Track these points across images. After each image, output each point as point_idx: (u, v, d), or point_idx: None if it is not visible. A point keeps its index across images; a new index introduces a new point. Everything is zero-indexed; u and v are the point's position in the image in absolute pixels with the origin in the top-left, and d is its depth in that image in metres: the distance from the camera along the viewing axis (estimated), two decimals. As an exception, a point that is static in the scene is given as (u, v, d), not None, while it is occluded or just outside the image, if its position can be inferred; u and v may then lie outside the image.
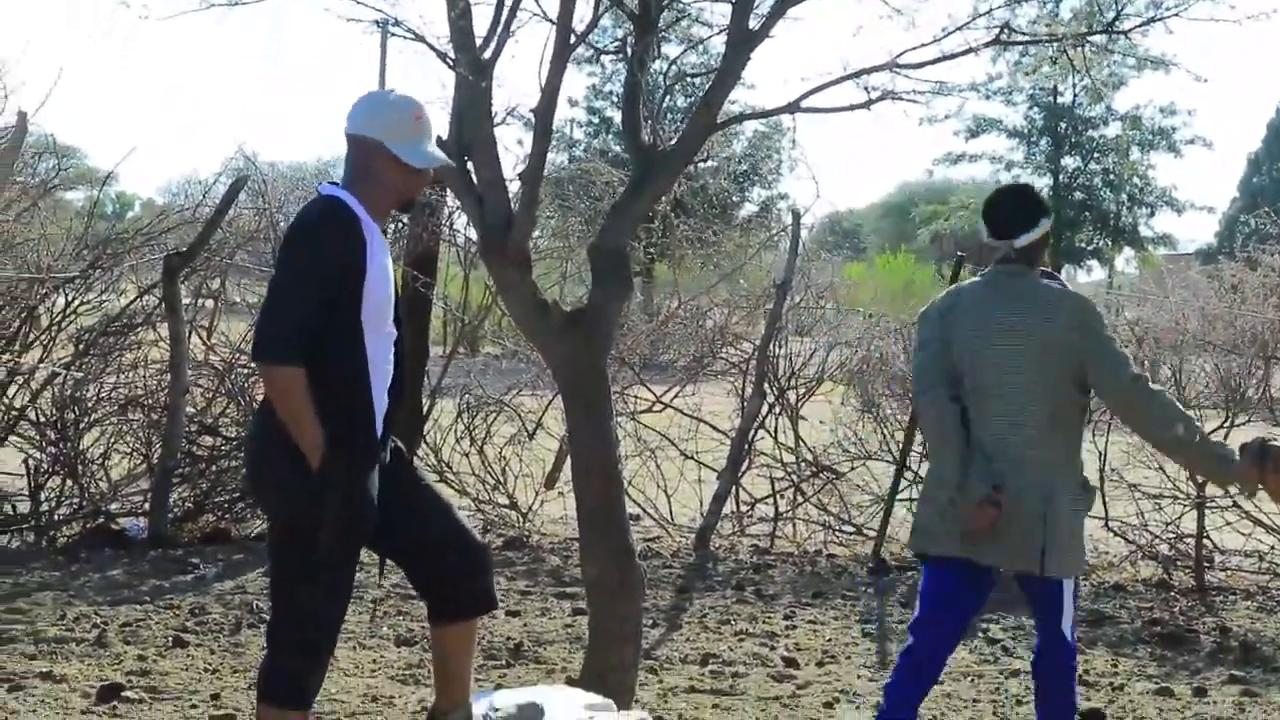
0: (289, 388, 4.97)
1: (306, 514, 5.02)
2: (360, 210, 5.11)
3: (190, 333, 11.77)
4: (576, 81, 56.03)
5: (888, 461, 12.09)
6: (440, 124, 6.40)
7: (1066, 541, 5.98)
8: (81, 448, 11.42)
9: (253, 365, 11.58)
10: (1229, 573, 10.90)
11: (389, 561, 5.54)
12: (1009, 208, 6.35)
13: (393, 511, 5.30)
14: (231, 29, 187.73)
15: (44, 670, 7.56)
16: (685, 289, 16.00)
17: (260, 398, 11.15)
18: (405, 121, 5.26)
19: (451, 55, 6.48)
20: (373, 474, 5.19)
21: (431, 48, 6.55)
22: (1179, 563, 10.83)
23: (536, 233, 12.67)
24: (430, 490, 5.51)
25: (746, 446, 12.16)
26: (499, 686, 7.43)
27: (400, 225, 12.83)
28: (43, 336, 11.55)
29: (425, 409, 12.12)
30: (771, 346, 12.37)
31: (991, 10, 6.90)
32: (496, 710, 5.54)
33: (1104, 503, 11.19)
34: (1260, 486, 5.61)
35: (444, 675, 5.55)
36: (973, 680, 8.13)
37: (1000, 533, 5.88)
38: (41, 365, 11.27)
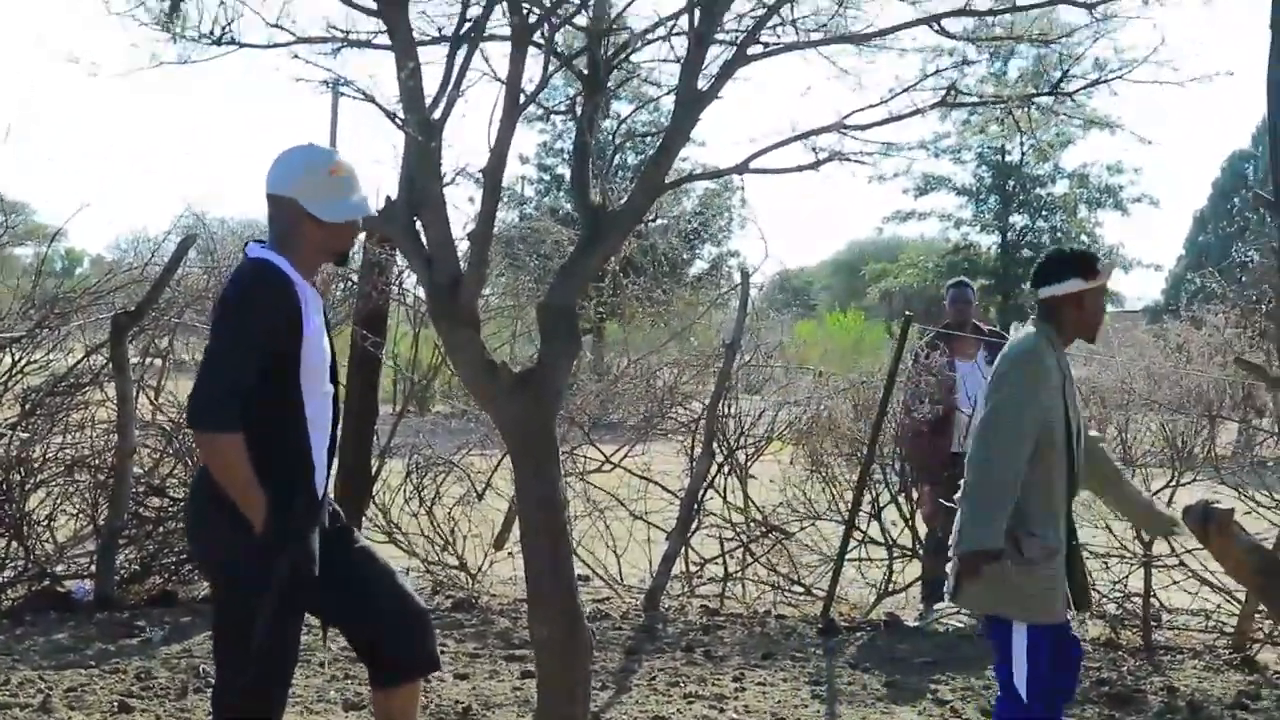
0: (228, 454, 4.98)
1: (250, 576, 5.00)
2: (290, 271, 5.12)
3: (138, 392, 11.70)
4: (527, 139, 56.11)
5: (836, 521, 12.09)
6: (390, 184, 6.42)
7: (993, 578, 6.08)
8: (27, 509, 11.33)
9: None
10: (1176, 631, 10.92)
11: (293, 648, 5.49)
12: (1043, 260, 6.75)
13: (333, 575, 5.27)
14: (182, 85, 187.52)
15: (-14, 735, 7.49)
16: (635, 348, 15.99)
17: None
18: (319, 177, 5.32)
19: (401, 115, 6.48)
20: (314, 533, 5.18)
21: (381, 108, 6.55)
22: (1126, 622, 10.84)
23: (486, 290, 12.66)
24: (369, 553, 5.50)
25: (696, 506, 12.15)
26: (447, 750, 7.40)
27: (350, 284, 12.80)
28: (-12, 396, 11.48)
29: (374, 469, 12.08)
30: (721, 406, 12.37)
31: (940, 71, 6.94)
32: None
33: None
34: (1205, 548, 5.65)
35: None
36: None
37: None
38: (-14, 425, 11.19)
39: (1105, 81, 7.04)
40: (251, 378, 4.99)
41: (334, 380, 5.39)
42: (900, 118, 6.76)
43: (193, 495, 5.47)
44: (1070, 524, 6.52)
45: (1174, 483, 10.94)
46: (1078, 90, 7.24)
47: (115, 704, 8.24)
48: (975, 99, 7.41)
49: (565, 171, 52.42)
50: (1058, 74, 7.23)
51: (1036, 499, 6.30)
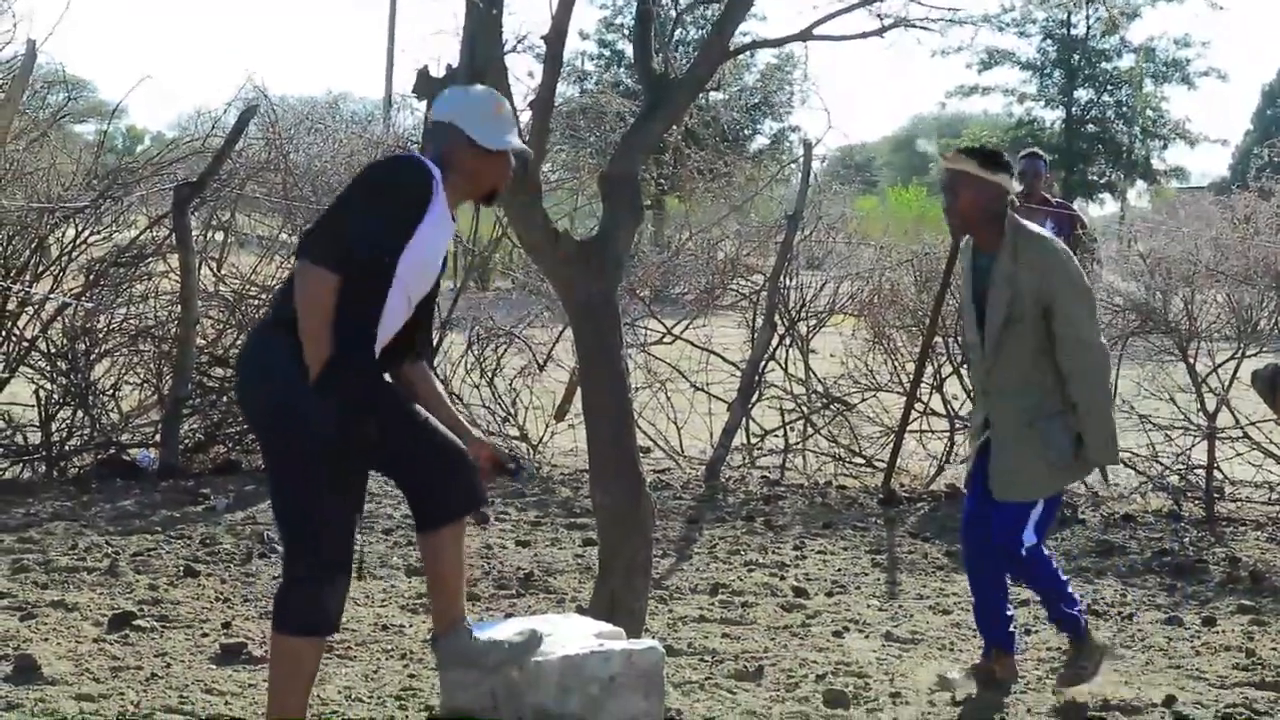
0: (320, 289, 5.04)
1: (300, 420, 5.07)
2: (438, 174, 5.23)
3: (200, 264, 11.73)
4: (587, 14, 55.73)
5: (898, 393, 12.07)
6: (451, 55, 6.42)
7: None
8: (92, 379, 11.42)
9: (263, 296, 11.58)
10: (1239, 504, 10.89)
11: (399, 492, 5.59)
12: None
13: (382, 423, 5.33)
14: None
15: (56, 599, 7.58)
16: (696, 221, 15.95)
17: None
18: (486, 110, 5.47)
19: (462, -18, 6.45)
20: (371, 388, 5.26)
21: (442, -26, 6.52)
22: (1189, 494, 10.82)
23: (546, 165, 12.64)
24: (413, 407, 5.54)
25: (757, 378, 12.15)
26: (509, 615, 7.45)
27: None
28: (53, 267, 11.53)
29: (435, 341, 12.11)
30: (782, 278, 12.33)
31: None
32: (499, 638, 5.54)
33: (1115, 434, 11.19)
34: (1273, 412, 5.62)
35: (439, 592, 5.57)
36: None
37: None
38: (52, 296, 11.25)
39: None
40: (367, 239, 5.06)
41: (425, 310, 5.50)
42: (967, -19, 6.69)
43: (248, 347, 5.53)
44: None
45: (1240, 355, 10.86)
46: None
47: (181, 568, 8.33)
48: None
49: (625, 47, 52.14)
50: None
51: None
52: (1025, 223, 6.47)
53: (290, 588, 5.25)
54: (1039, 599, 6.97)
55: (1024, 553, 6.52)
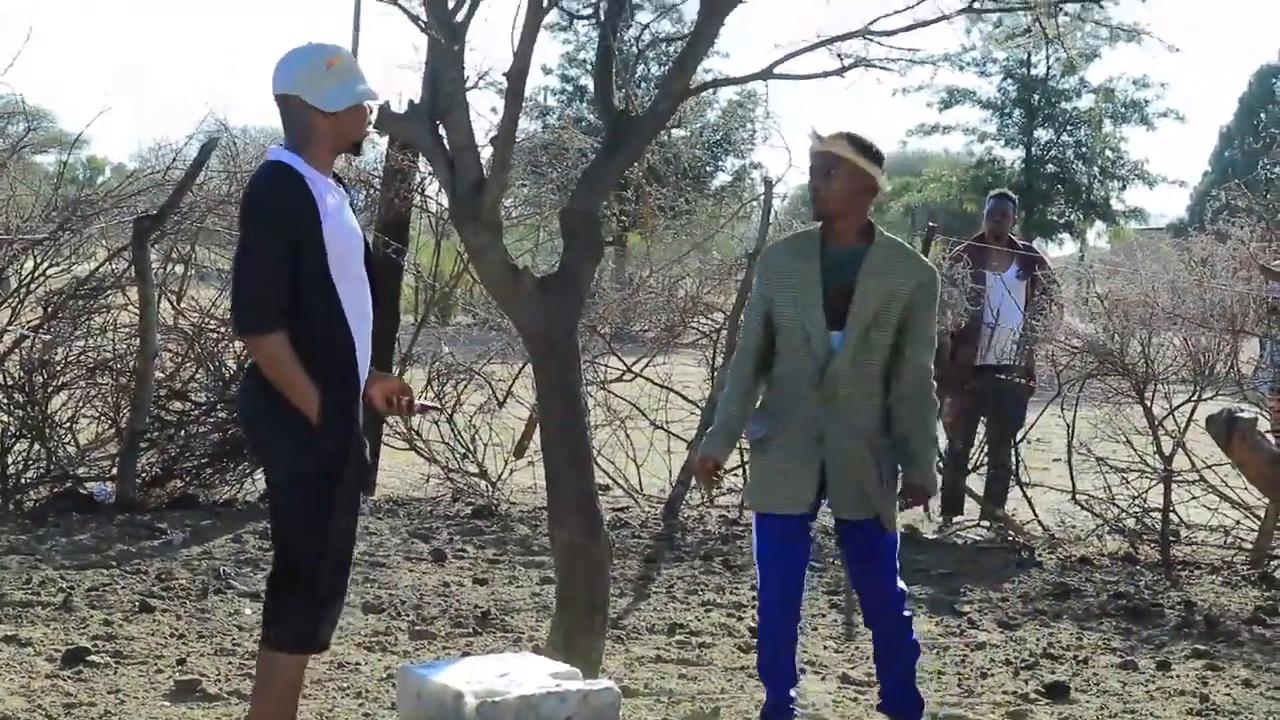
0: (276, 354, 5.18)
1: (311, 463, 5.16)
2: (304, 168, 5.27)
3: (160, 297, 11.69)
4: (550, 49, 55.80)
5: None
6: (412, 89, 6.43)
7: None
8: (49, 411, 11.35)
9: (222, 330, 11.55)
10: (1194, 547, 10.91)
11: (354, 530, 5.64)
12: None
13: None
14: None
15: (9, 634, 7.54)
16: (657, 258, 15.95)
17: (232, 364, 11.20)
18: (319, 70, 5.39)
19: (424, 18, 6.46)
20: (359, 418, 5.36)
21: (404, 10, 6.54)
22: (1145, 537, 10.84)
23: (508, 200, 12.63)
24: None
25: (716, 416, 12.13)
26: (465, 654, 7.44)
27: (372, 190, 12.77)
28: (10, 299, 11.48)
29: (395, 376, 12.09)
30: (742, 317, 12.33)
31: (966, -23, 6.88)
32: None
33: (1072, 477, 11.22)
34: (1227, 457, 5.62)
35: None
36: (938, 653, 8.14)
37: None
38: (9, 328, 11.20)
39: (1135, -12, 6.99)
40: (282, 273, 5.12)
41: (370, 267, 5.48)
42: (927, 23, 6.74)
43: (245, 396, 5.63)
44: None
45: (1196, 398, 10.90)
46: (1107, -4, 7.19)
47: (136, 603, 8.28)
48: (1002, 5, 7.36)
49: (588, 82, 52.16)
50: (1088, -22, 7.17)
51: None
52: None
53: (285, 608, 5.34)
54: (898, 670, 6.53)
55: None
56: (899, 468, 6.24)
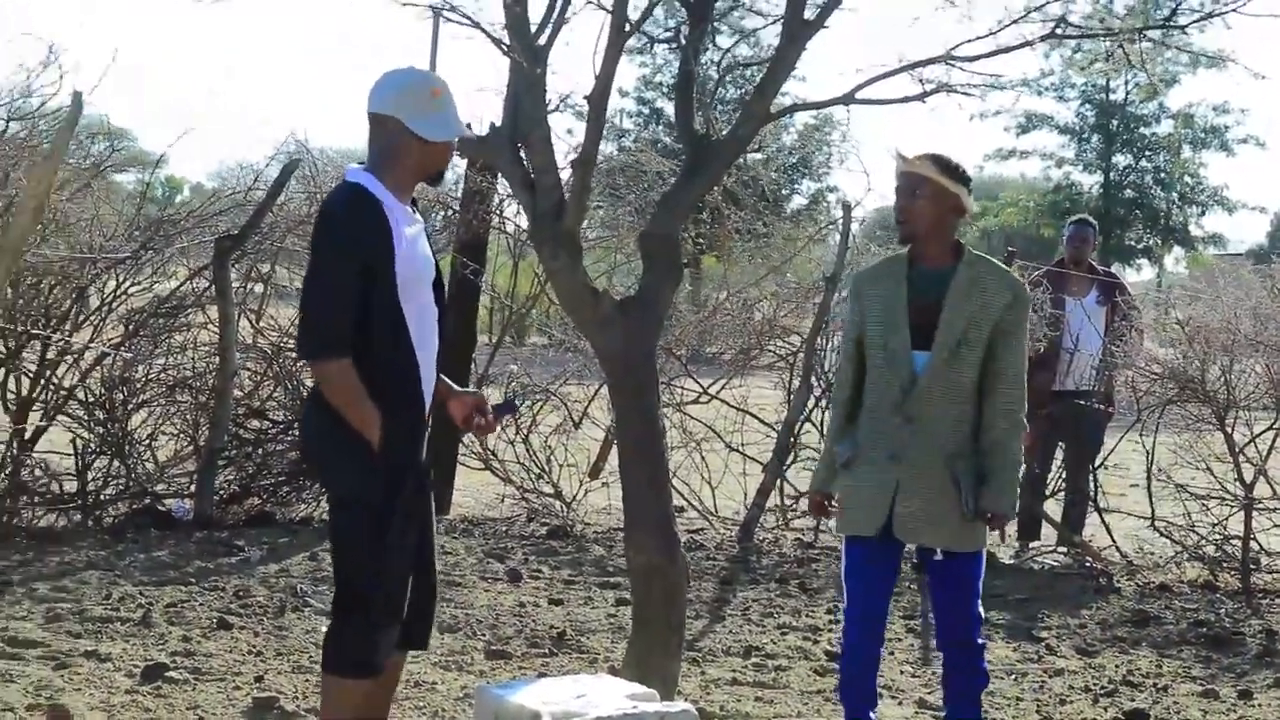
0: (340, 379, 5.16)
1: (371, 487, 5.17)
2: (381, 191, 5.24)
3: (239, 316, 11.79)
4: (627, 72, 55.81)
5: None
6: (492, 112, 6.44)
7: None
8: (129, 428, 11.45)
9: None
10: (1276, 575, 10.81)
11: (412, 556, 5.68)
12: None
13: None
14: (283, 13, 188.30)
15: (89, 649, 7.59)
16: (733, 281, 15.95)
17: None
18: (422, 97, 5.36)
19: (506, 41, 6.49)
20: (424, 446, 5.36)
21: (487, 34, 6.57)
22: (1225, 564, 10.75)
23: (586, 222, 12.67)
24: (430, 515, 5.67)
25: (792, 440, 12.12)
26: (541, 674, 7.44)
27: (450, 212, 12.82)
28: (93, 317, 11.58)
29: (474, 390, 12.12)
30: (819, 339, 12.33)
31: (1046, 4, 6.85)
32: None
33: (1151, 503, 11.14)
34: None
35: None
36: (1016, 679, 8.09)
37: None
38: (91, 345, 11.29)
39: (1220, 15, 6.92)
40: (351, 298, 5.10)
41: (439, 294, 5.48)
42: (1008, 50, 6.71)
43: (308, 418, 5.66)
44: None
45: (1277, 425, 10.81)
46: (1190, 23, 7.14)
47: (214, 620, 8.34)
48: (1083, 31, 7.32)
49: (665, 106, 52.29)
50: (1168, 8, 7.13)
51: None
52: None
53: (345, 632, 5.36)
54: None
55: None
56: (979, 489, 6.17)
